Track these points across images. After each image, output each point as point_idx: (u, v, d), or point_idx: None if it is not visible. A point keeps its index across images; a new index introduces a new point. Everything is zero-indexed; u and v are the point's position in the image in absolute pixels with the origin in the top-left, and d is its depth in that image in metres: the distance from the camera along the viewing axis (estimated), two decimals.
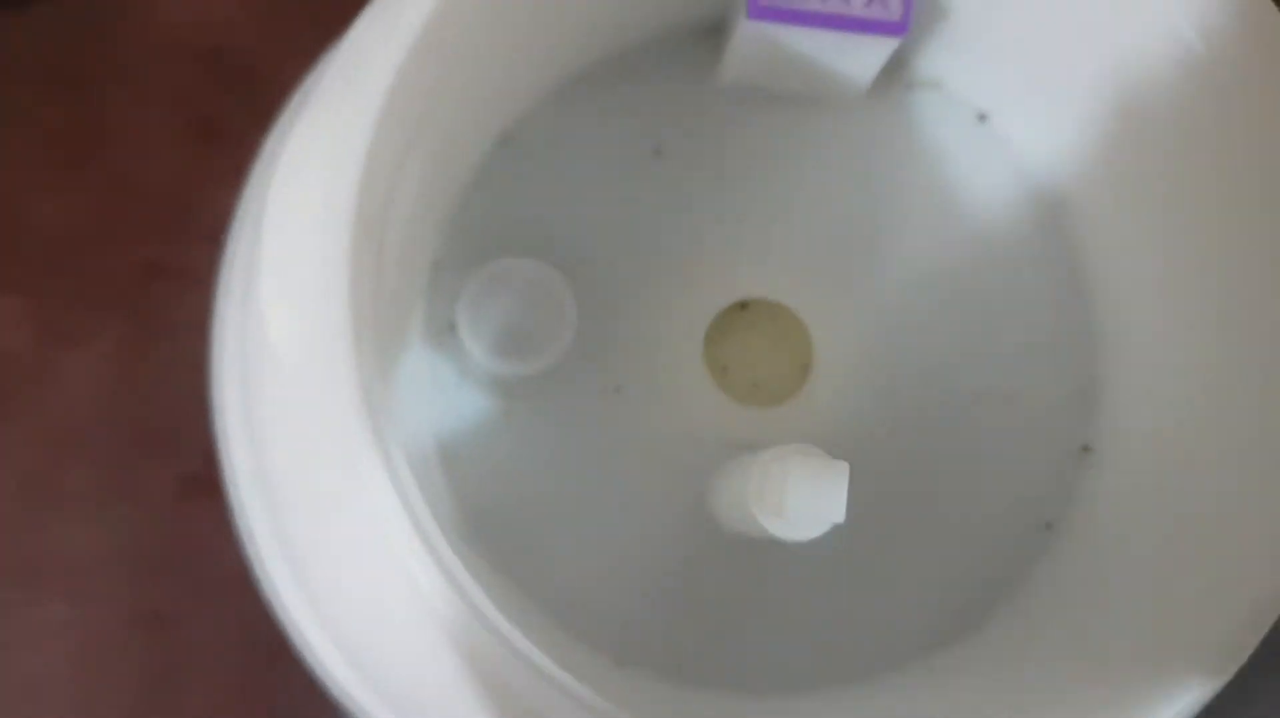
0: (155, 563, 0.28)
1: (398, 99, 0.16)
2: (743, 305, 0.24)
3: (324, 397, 0.15)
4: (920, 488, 0.23)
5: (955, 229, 0.24)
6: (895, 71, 0.24)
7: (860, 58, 0.22)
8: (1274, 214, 0.18)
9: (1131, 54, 0.20)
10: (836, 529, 0.22)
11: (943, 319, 0.23)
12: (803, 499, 0.18)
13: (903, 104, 0.24)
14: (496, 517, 0.22)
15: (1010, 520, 0.23)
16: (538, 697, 0.15)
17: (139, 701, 0.27)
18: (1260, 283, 0.19)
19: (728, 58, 0.22)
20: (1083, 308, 0.23)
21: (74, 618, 0.28)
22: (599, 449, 0.23)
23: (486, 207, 0.23)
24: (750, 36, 0.21)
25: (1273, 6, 0.18)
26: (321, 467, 0.16)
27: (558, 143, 0.23)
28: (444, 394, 0.22)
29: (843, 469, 0.18)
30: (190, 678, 0.27)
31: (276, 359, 0.17)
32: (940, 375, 0.23)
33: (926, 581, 0.23)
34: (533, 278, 0.22)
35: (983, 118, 0.24)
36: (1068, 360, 0.23)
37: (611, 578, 0.23)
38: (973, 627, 0.23)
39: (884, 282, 0.24)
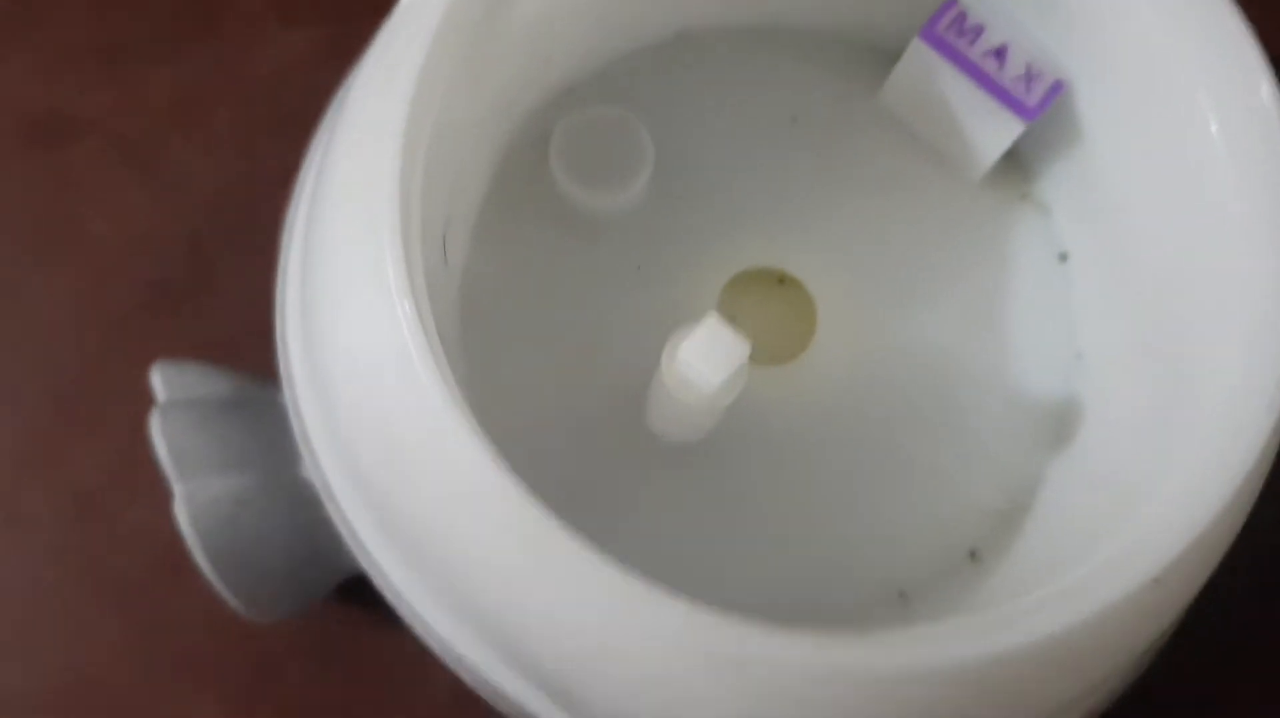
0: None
1: None
2: (780, 280, 0.26)
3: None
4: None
5: (986, 326, 0.25)
6: (1016, 176, 0.26)
7: (991, 130, 0.24)
8: None
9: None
10: (802, 485, 0.24)
11: (936, 377, 0.25)
12: (695, 355, 0.20)
13: (1007, 206, 0.26)
14: (492, 326, 0.25)
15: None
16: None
17: None
18: None
19: (892, 77, 0.25)
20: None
21: None
22: (602, 304, 0.25)
23: (632, 74, 0.26)
24: (915, 59, 0.24)
25: None
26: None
27: (720, 59, 0.26)
28: (510, 190, 0.25)
29: (741, 344, 0.20)
30: None
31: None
32: (919, 413, 0.25)
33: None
34: (629, 134, 0.25)
35: (1064, 258, 0.26)
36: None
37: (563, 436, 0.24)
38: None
39: (908, 324, 0.25)
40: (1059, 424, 0.24)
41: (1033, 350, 0.25)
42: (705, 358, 0.20)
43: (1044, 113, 0.23)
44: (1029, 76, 0.23)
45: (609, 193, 0.25)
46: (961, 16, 0.23)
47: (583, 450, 0.25)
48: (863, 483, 0.25)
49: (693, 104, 0.26)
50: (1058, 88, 0.23)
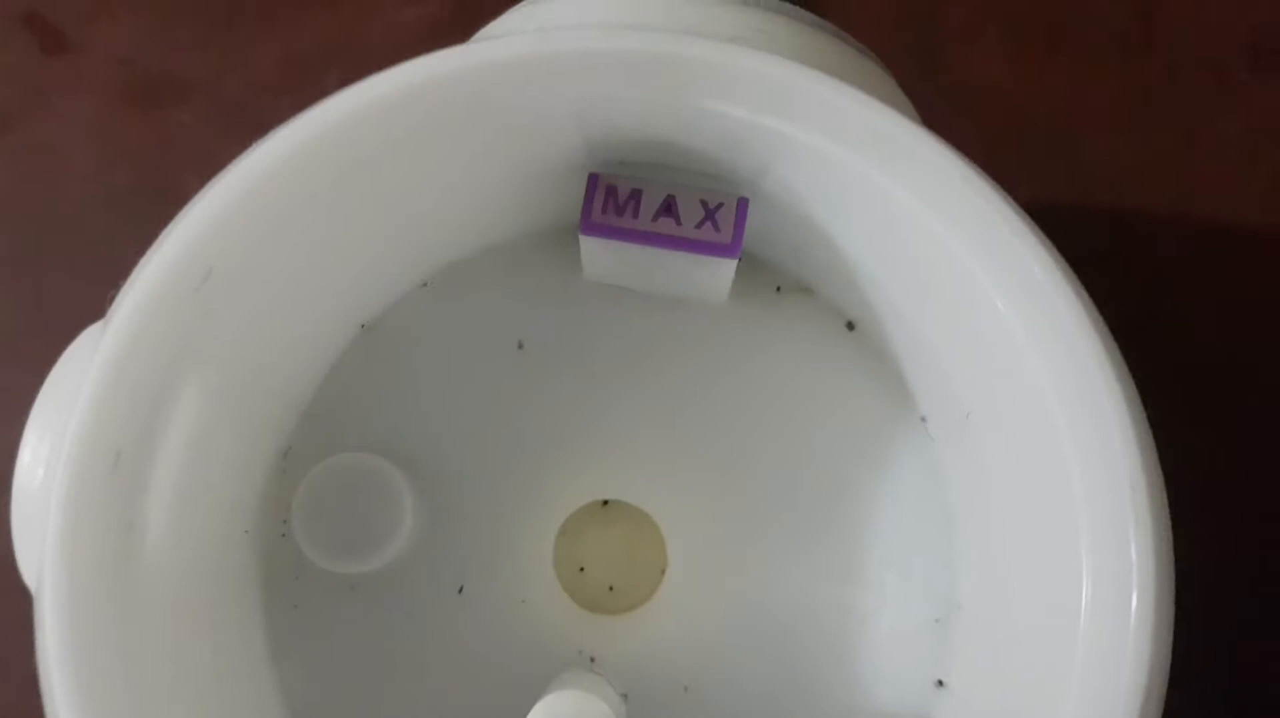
0: None
1: (145, 342, 0.16)
2: (604, 503, 0.23)
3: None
4: (767, 711, 0.22)
5: (821, 436, 0.23)
6: (764, 274, 0.23)
7: (706, 272, 0.21)
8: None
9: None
10: None
11: (803, 528, 0.23)
12: None
13: (772, 307, 0.23)
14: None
15: None
16: None
17: None
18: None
19: (585, 260, 0.22)
20: (944, 529, 0.22)
21: None
22: (436, 652, 0.23)
23: (343, 394, 0.23)
24: (594, 246, 0.21)
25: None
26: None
27: (419, 332, 0.23)
28: (280, 586, 0.22)
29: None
30: None
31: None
32: (798, 587, 0.23)
33: None
34: (369, 472, 0.22)
35: (851, 326, 0.23)
36: (928, 584, 0.22)
37: None
38: None
39: (746, 486, 0.23)
40: None
41: (866, 415, 0.23)
42: None
43: (744, 240, 0.20)
44: (710, 214, 0.20)
45: (384, 549, 0.22)
46: (611, 191, 0.20)
47: None
48: (809, 643, 0.23)
49: (412, 381, 0.23)
50: (743, 207, 0.20)
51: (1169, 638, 0.17)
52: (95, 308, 0.30)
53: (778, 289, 0.23)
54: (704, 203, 0.20)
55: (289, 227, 0.18)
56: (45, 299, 0.31)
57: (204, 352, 0.18)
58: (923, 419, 0.23)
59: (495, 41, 0.18)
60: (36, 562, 0.17)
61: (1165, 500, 0.17)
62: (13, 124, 0.32)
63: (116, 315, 0.16)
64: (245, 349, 0.20)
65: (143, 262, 0.17)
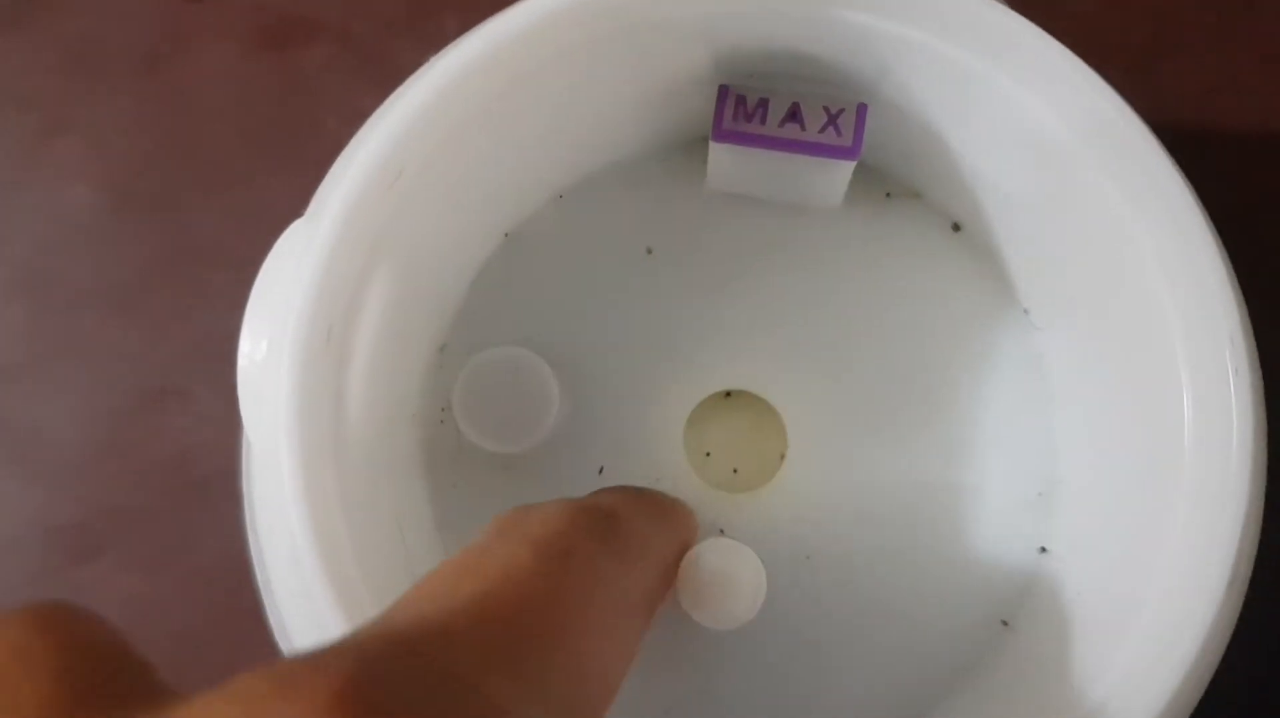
0: None
1: (351, 230, 0.18)
2: (727, 394, 0.26)
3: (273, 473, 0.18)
4: (884, 576, 0.24)
5: (929, 330, 0.25)
6: (874, 181, 0.25)
7: (825, 176, 0.23)
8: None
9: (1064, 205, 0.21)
10: (798, 614, 0.24)
11: (914, 414, 0.25)
12: (716, 595, 0.20)
13: (882, 211, 0.25)
14: None
15: (969, 615, 0.24)
16: None
17: None
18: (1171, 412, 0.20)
19: (710, 169, 0.24)
20: (1045, 412, 0.24)
21: None
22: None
23: (491, 297, 0.25)
24: (722, 154, 0.23)
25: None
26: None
27: (558, 240, 0.26)
28: (441, 465, 0.25)
29: (749, 567, 0.19)
30: None
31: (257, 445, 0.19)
32: (909, 468, 0.25)
33: (883, 667, 0.24)
34: (520, 364, 0.24)
35: (957, 227, 0.25)
36: (1031, 462, 0.24)
37: None
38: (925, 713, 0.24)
39: (859, 377, 0.25)
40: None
41: (970, 310, 0.25)
42: (729, 600, 0.19)
43: (863, 142, 0.22)
44: (832, 119, 0.22)
45: (533, 432, 0.24)
46: (740, 100, 0.22)
47: None
48: (919, 518, 0.25)
49: (552, 284, 0.26)
50: (863, 112, 0.22)
51: (1264, 475, 0.19)
52: (236, 239, 0.33)
53: (888, 195, 0.25)
54: (826, 109, 0.22)
55: (463, 134, 0.20)
56: (190, 231, 0.33)
57: (390, 246, 0.20)
58: (1025, 311, 0.25)
59: None
60: (259, 421, 0.19)
61: (1257, 359, 0.19)
62: (158, 66, 0.34)
63: (328, 206, 0.19)
64: (418, 248, 0.22)
65: (344, 157, 0.20)
